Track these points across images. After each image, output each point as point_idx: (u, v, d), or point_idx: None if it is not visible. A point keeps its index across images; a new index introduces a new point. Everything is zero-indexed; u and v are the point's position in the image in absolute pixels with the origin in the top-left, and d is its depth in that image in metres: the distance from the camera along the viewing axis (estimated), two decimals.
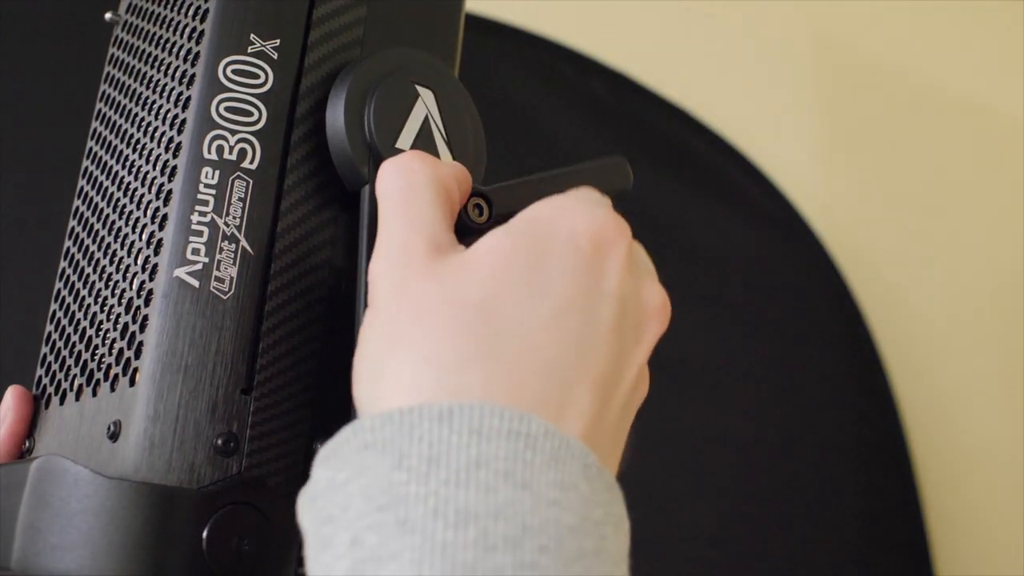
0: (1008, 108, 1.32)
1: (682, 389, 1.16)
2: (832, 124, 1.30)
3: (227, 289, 0.45)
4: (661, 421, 1.15)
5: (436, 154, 0.49)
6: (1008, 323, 1.29)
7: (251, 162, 0.46)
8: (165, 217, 0.46)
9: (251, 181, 0.46)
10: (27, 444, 0.53)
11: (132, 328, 0.46)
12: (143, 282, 0.47)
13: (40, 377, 0.54)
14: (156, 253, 0.46)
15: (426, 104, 0.49)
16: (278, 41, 0.48)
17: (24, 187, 1.00)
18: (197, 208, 0.46)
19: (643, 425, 1.23)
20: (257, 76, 0.47)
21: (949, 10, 1.34)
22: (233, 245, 0.45)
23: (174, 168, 0.47)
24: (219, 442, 0.44)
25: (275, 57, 0.47)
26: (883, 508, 1.20)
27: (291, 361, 0.46)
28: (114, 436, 0.45)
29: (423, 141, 0.48)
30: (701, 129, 1.23)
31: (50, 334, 0.55)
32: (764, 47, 1.29)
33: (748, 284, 1.21)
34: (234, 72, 0.47)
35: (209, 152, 0.46)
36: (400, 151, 0.47)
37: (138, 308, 0.46)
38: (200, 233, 0.45)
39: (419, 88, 0.49)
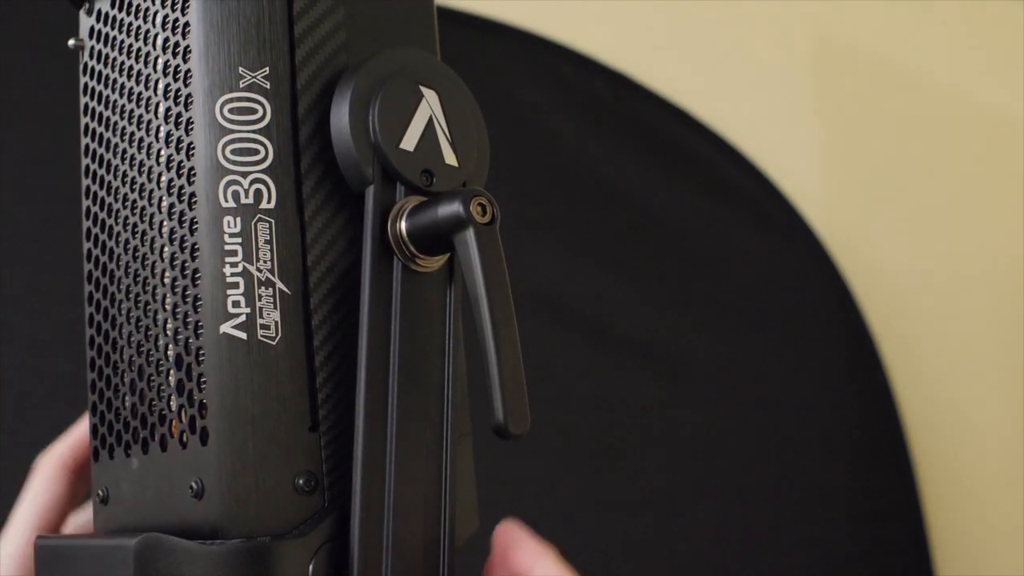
0: (1008, 108, 1.32)
1: (682, 389, 1.16)
2: (832, 124, 1.30)
3: (274, 335, 0.45)
4: (661, 421, 1.15)
5: (440, 154, 0.49)
6: (1009, 324, 1.29)
7: (269, 201, 0.46)
8: (196, 272, 0.46)
9: (273, 221, 0.46)
10: (101, 493, 0.53)
11: (189, 386, 0.47)
12: (188, 339, 0.47)
13: (96, 426, 0.54)
14: (196, 310, 0.46)
15: (430, 105, 0.49)
16: (267, 69, 0.47)
17: (25, 193, 1.00)
18: (227, 260, 0.45)
19: (644, 425, 1.23)
20: (255, 111, 0.47)
21: (950, 10, 1.34)
22: (270, 290, 0.45)
23: (193, 220, 0.47)
24: (300, 482, 0.45)
25: (268, 87, 0.47)
26: (883, 508, 1.20)
27: (349, 388, 0.46)
28: (198, 495, 0.45)
29: (427, 141, 0.48)
30: (701, 129, 1.23)
31: (94, 382, 0.55)
32: (765, 47, 1.29)
33: (748, 284, 1.21)
34: (231, 111, 0.46)
35: (227, 200, 0.46)
36: (405, 152, 0.47)
37: (190, 366, 0.47)
38: (236, 285, 0.45)
39: (423, 89, 0.49)
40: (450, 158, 0.49)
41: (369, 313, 0.46)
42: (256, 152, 0.46)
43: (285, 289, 0.46)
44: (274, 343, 0.45)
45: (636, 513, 1.12)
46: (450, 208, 0.46)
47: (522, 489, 1.08)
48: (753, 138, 1.24)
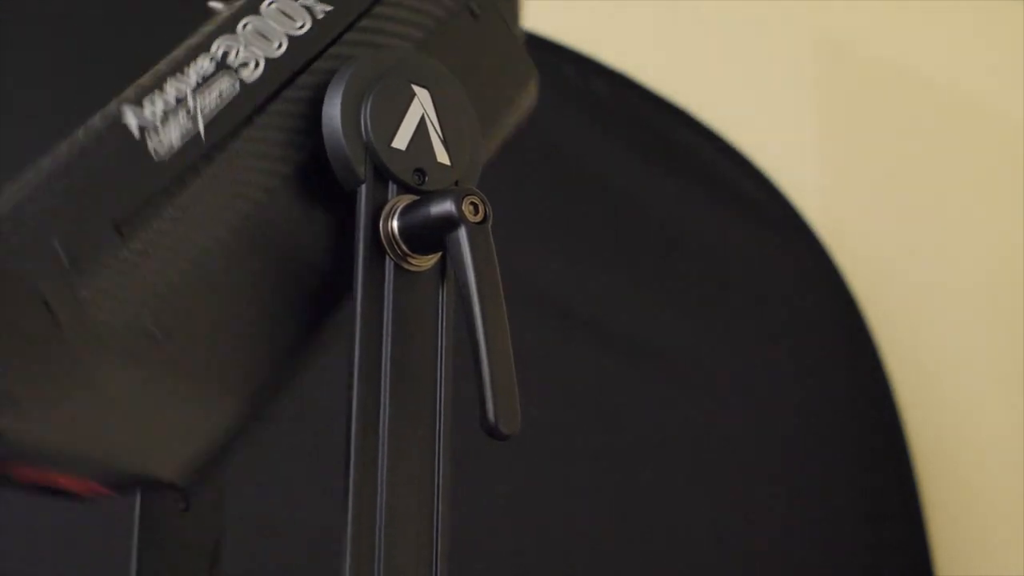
0: (1009, 108, 1.32)
1: (682, 389, 1.16)
2: (832, 124, 1.30)
3: (164, 154, 0.43)
4: (661, 421, 1.15)
5: (432, 153, 0.49)
6: (1009, 324, 1.28)
7: (250, 75, 0.46)
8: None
9: (240, 90, 0.46)
10: None
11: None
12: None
13: None
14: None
15: (422, 103, 0.49)
16: (331, 8, 0.48)
17: None
18: (180, 75, 0.44)
19: (643, 424, 1.22)
20: (296, 20, 0.48)
21: (951, 10, 1.34)
22: (191, 124, 0.44)
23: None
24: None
25: (319, 17, 0.48)
26: (883, 508, 1.20)
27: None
28: None
29: (419, 140, 0.48)
30: (701, 129, 1.23)
31: None
32: (765, 47, 1.29)
33: (748, 284, 1.21)
34: (275, 9, 0.47)
35: (216, 53, 0.46)
36: (397, 151, 0.47)
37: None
38: (165, 92, 0.44)
39: (415, 87, 0.49)
40: (442, 156, 0.49)
41: (361, 312, 0.46)
42: (270, 41, 0.47)
43: (202, 136, 0.45)
44: (156, 160, 0.43)
45: (636, 512, 1.12)
46: (442, 207, 0.46)
47: (522, 488, 1.08)
48: (753, 138, 1.24)
